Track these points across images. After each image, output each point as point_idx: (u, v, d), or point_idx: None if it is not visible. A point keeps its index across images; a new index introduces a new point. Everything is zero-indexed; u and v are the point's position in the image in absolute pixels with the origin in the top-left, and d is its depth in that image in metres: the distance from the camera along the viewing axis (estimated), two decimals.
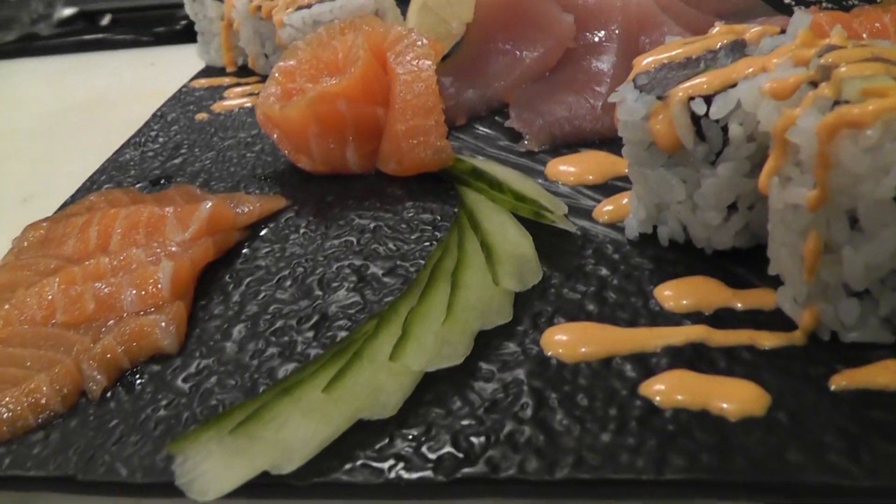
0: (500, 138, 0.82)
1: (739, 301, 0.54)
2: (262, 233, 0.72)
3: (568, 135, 0.77)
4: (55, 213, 0.78)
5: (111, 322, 0.60)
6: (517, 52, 0.87)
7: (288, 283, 0.64)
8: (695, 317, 0.54)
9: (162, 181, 0.84)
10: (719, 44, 0.58)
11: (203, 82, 1.10)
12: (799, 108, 0.46)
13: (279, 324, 0.59)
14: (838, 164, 0.44)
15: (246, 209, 0.74)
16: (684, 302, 0.55)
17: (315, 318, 0.59)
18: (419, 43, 0.78)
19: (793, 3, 1.10)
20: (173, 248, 0.65)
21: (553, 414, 0.47)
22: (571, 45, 0.85)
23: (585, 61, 0.83)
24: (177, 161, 0.88)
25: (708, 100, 0.53)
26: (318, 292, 0.62)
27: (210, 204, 0.69)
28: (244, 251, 0.69)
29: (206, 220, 0.68)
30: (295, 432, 0.47)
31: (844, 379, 0.47)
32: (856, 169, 0.43)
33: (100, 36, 1.56)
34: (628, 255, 0.61)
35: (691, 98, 0.53)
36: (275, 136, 0.80)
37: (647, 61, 0.60)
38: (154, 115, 1.01)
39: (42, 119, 1.18)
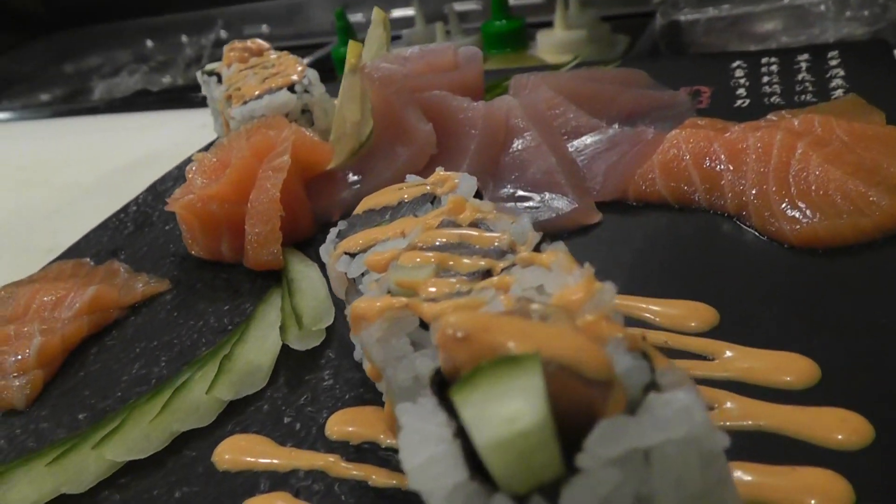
0: None
1: (387, 437, 0.61)
2: (139, 313, 0.89)
3: None
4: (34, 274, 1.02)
5: None
6: (393, 156, 0.96)
7: (122, 368, 0.80)
8: (343, 446, 0.62)
9: (113, 253, 1.05)
10: (411, 196, 0.64)
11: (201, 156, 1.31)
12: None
13: (93, 401, 0.76)
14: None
15: (139, 287, 0.93)
16: (344, 429, 0.63)
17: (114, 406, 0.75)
18: (282, 155, 0.91)
19: (690, 99, 1.05)
20: (58, 325, 0.86)
21: None
22: (433, 151, 0.92)
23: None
24: (136, 235, 1.09)
25: (353, 257, 0.60)
26: (135, 384, 0.78)
27: (93, 289, 0.88)
28: (113, 332, 0.87)
29: (87, 302, 0.87)
30: (16, 495, 0.64)
31: None
32: (374, 356, 0.50)
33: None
34: (347, 377, 0.69)
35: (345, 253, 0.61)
36: (182, 225, 0.97)
37: (367, 202, 0.67)
38: (150, 186, 1.24)
39: (98, 175, 1.48)
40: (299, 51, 2.55)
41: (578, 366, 0.34)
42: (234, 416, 0.68)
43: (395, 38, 2.09)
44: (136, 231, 1.11)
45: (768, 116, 0.90)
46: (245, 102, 1.11)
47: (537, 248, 0.49)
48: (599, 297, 0.39)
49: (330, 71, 2.06)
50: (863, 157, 0.77)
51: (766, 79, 1.08)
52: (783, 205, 0.75)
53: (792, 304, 0.65)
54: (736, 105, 1.02)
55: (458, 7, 2.27)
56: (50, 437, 0.72)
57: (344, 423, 0.63)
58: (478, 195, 0.61)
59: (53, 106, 2.25)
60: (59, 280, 0.96)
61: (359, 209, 0.67)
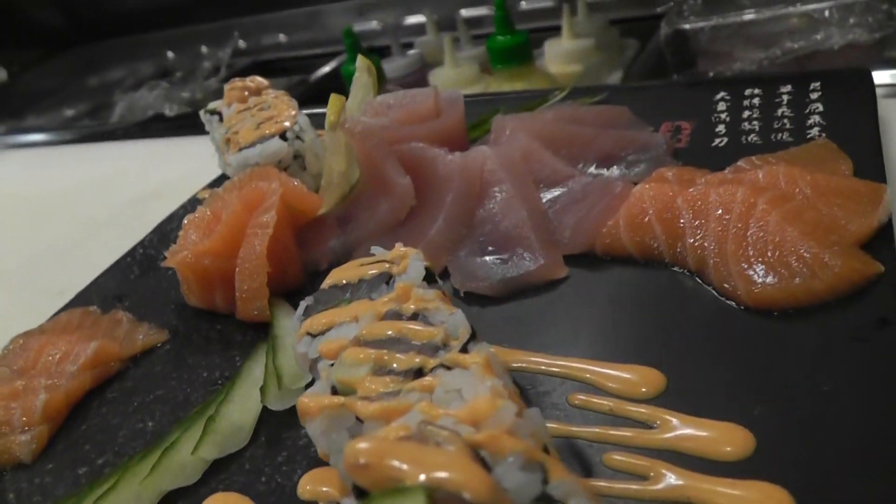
0: None
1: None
2: (139, 364, 0.95)
3: None
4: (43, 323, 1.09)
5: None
6: (376, 207, 1.00)
7: (121, 422, 0.86)
8: None
9: (118, 299, 1.11)
10: (371, 274, 0.68)
11: (206, 193, 1.37)
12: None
13: (92, 456, 0.82)
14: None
15: (139, 338, 0.99)
16: (314, 489, 0.68)
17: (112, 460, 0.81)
18: (269, 211, 0.95)
19: (667, 140, 1.05)
20: (62, 380, 0.92)
21: None
22: (413, 203, 0.96)
23: (417, 220, 0.95)
24: (141, 280, 1.15)
25: (314, 338, 0.65)
26: (131, 439, 0.83)
27: (95, 345, 0.94)
28: (115, 384, 0.93)
29: (90, 357, 0.93)
30: None
31: None
32: (320, 445, 0.54)
33: None
34: None
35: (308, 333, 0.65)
36: (179, 277, 1.03)
37: (333, 276, 0.72)
38: (156, 227, 1.30)
39: (112, 208, 1.55)
40: (317, 59, 2.60)
41: (463, 492, 0.38)
42: (218, 473, 0.74)
43: (406, 46, 2.12)
44: (141, 275, 1.17)
45: (738, 163, 0.92)
46: (240, 150, 1.16)
47: (466, 346, 0.53)
48: (499, 415, 0.43)
49: (339, 87, 2.10)
50: (822, 213, 0.79)
51: (746, 113, 1.09)
52: (741, 265, 0.77)
53: (739, 370, 0.68)
54: (714, 144, 1.04)
55: (469, 13, 2.29)
56: (53, 492, 0.78)
57: (314, 483, 0.68)
58: (429, 276, 0.65)
59: (73, 129, 2.33)
60: (67, 331, 1.02)
61: (326, 283, 0.71)
